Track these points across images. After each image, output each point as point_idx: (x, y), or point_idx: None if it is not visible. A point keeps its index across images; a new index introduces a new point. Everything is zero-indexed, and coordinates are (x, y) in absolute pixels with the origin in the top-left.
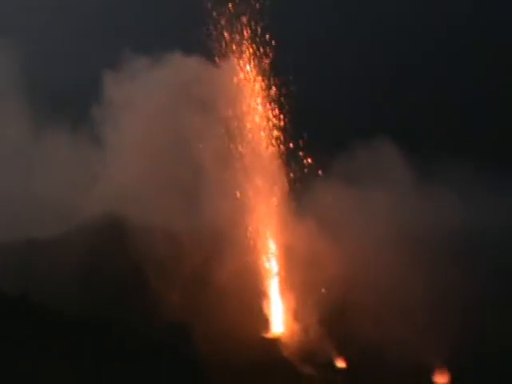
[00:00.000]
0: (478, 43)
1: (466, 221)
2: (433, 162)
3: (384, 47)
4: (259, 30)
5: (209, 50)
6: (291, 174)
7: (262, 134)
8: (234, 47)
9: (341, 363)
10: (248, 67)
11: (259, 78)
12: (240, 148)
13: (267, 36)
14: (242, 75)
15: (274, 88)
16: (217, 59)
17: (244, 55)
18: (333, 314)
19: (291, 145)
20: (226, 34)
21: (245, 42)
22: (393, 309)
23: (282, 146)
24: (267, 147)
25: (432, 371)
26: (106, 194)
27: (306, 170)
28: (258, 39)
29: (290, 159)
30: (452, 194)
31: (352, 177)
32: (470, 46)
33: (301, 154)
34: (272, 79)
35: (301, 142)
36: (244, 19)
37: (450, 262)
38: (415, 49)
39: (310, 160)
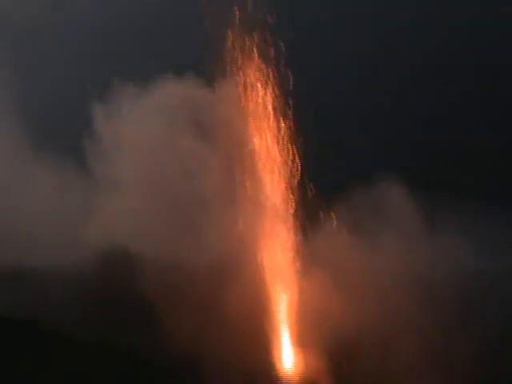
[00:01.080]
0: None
1: (477, 264)
2: (441, 204)
3: (390, 84)
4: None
5: (207, 71)
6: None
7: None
8: (239, 66)
9: None
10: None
11: (268, 101)
12: (243, 178)
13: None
14: (246, 97)
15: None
16: (217, 80)
17: (251, 75)
18: (343, 356)
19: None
20: (230, 52)
21: (254, 60)
22: (404, 356)
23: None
24: (273, 179)
25: None
26: (109, 226)
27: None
28: (270, 60)
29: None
30: (462, 237)
31: (358, 221)
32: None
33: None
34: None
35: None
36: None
37: (462, 306)
38: (422, 86)
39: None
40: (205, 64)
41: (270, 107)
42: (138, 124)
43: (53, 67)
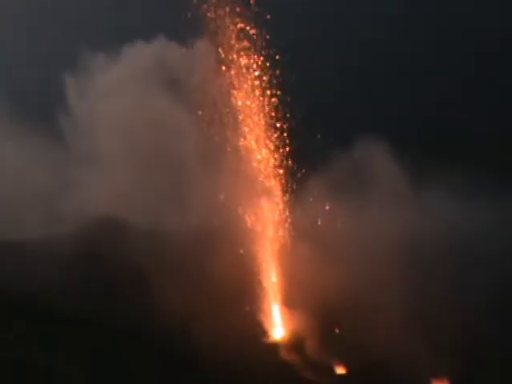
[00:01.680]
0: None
1: (462, 225)
2: (427, 165)
3: (378, 43)
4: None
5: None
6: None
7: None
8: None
9: (341, 370)
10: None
11: (244, 58)
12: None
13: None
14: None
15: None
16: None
17: (226, 32)
18: (333, 320)
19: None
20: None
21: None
22: (392, 318)
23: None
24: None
25: (431, 379)
26: (91, 198)
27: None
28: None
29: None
30: (448, 199)
31: (346, 181)
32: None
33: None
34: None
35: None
36: None
37: (448, 268)
38: (411, 46)
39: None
40: (179, 24)
41: (252, 68)
42: (111, 92)
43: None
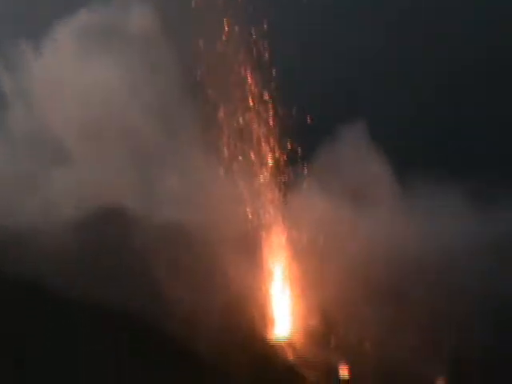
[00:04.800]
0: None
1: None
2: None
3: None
4: None
5: None
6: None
7: None
8: None
9: (344, 372)
10: None
11: None
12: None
13: None
14: None
15: None
16: None
17: None
18: (336, 324)
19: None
20: None
21: None
22: (394, 321)
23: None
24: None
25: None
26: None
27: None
28: None
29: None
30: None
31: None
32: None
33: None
34: None
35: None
36: None
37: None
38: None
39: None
40: None
41: None
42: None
43: None
